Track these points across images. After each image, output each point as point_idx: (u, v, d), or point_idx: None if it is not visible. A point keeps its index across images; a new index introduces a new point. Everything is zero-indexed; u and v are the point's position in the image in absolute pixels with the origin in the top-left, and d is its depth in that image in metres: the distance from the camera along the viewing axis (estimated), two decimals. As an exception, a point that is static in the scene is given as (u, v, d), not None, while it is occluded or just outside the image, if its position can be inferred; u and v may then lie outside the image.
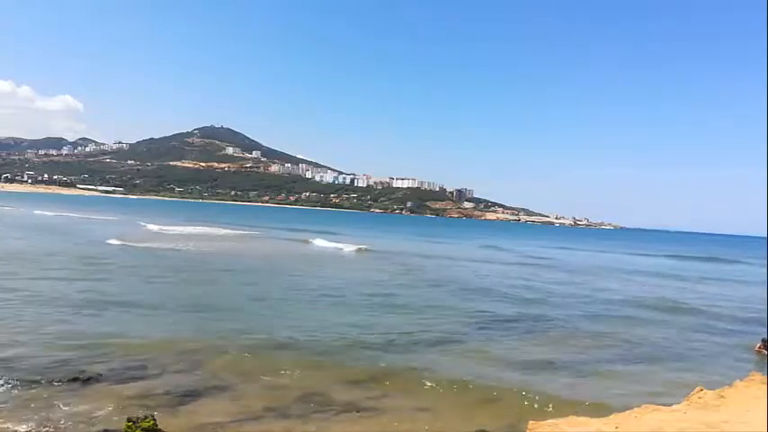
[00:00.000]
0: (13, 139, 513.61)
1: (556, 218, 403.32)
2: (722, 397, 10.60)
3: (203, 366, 15.30)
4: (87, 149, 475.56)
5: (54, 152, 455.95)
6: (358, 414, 12.82)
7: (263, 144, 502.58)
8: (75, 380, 13.37)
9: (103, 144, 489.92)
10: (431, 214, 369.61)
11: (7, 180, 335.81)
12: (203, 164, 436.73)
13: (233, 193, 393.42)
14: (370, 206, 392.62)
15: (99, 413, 11.69)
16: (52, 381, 13.25)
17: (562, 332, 23.61)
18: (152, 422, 10.42)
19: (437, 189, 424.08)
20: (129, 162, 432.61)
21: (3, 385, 12.78)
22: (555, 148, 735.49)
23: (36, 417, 11.27)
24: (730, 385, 11.33)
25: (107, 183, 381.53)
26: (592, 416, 10.89)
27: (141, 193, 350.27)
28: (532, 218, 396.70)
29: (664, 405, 10.61)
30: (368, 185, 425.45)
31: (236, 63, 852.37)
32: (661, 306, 32.97)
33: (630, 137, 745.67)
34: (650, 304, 33.42)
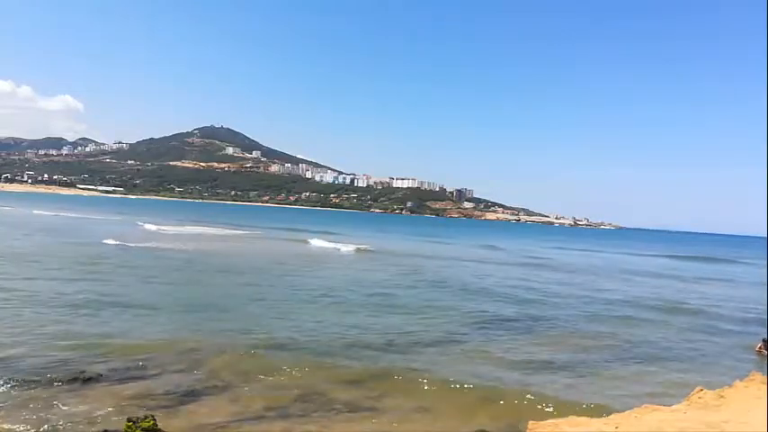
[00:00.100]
0: (13, 139, 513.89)
1: (556, 218, 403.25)
2: (722, 397, 10.59)
3: (203, 366, 15.29)
4: (87, 149, 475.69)
5: (54, 152, 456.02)
6: (358, 414, 12.82)
7: (263, 144, 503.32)
8: (74, 380, 13.36)
9: (103, 144, 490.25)
10: (431, 214, 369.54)
11: (7, 180, 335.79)
12: (203, 164, 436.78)
13: (233, 193, 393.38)
14: (370, 206, 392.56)
15: (99, 413, 11.68)
16: (52, 381, 13.25)
17: (562, 332, 23.60)
18: (152, 422, 10.41)
19: (437, 189, 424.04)
20: (129, 162, 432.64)
21: (2, 385, 12.77)
22: (555, 148, 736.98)
23: (35, 417, 11.27)
24: (730, 385, 11.32)
25: (107, 183, 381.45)
26: (592, 416, 10.90)
27: (141, 194, 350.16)
28: (532, 218, 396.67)
29: (664, 405, 10.61)
30: (368, 185, 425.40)
31: (236, 63, 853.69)
32: (661, 306, 32.96)
33: (630, 137, 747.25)
34: (650, 304, 33.42)
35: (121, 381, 13.74)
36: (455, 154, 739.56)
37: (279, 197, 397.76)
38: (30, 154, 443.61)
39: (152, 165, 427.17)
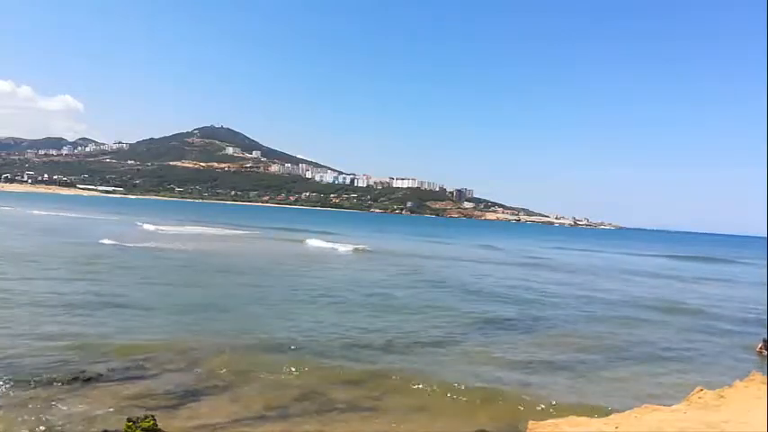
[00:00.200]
0: (13, 139, 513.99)
1: (556, 218, 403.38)
2: (722, 397, 10.59)
3: (203, 366, 15.28)
4: (87, 149, 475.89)
5: (54, 152, 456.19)
6: (358, 414, 12.81)
7: (263, 144, 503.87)
8: (74, 380, 13.34)
9: (103, 144, 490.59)
10: (431, 214, 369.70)
11: (7, 180, 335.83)
12: (203, 164, 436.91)
13: (233, 193, 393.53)
14: (370, 206, 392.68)
15: (99, 413, 11.67)
16: (51, 381, 13.23)
17: (562, 332, 23.59)
18: (152, 422, 10.40)
19: (437, 189, 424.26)
20: (129, 162, 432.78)
21: (1, 385, 12.75)
22: (555, 148, 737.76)
23: (35, 417, 11.25)
24: (730, 385, 11.32)
25: (107, 183, 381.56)
26: (592, 416, 10.90)
27: (141, 193, 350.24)
28: (532, 218, 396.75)
29: (664, 405, 10.61)
30: (368, 185, 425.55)
31: (236, 63, 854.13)
32: (660, 306, 32.94)
33: (630, 137, 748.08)
34: (650, 304, 33.41)
35: (121, 381, 13.73)
36: (455, 154, 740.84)
37: (279, 197, 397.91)
38: (30, 154, 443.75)
39: (152, 165, 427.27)
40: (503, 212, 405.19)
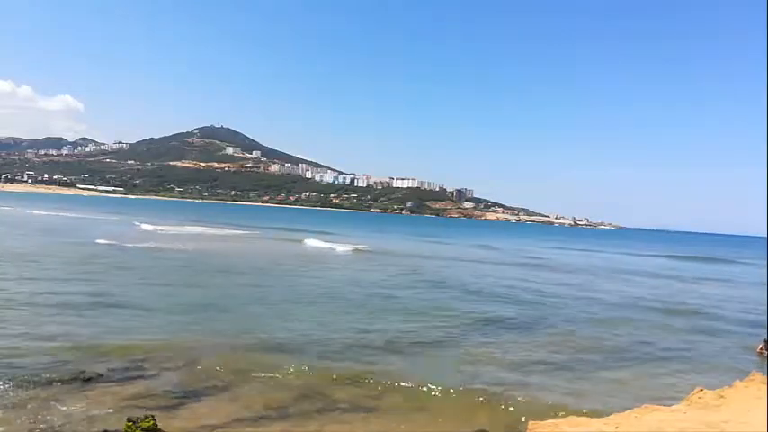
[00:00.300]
0: (13, 139, 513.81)
1: (556, 218, 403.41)
2: (722, 397, 10.59)
3: (202, 366, 15.27)
4: (87, 149, 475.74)
5: (54, 152, 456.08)
6: (358, 414, 12.81)
7: (263, 144, 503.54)
8: (74, 380, 13.34)
9: (103, 144, 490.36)
10: (431, 214, 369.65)
11: (7, 180, 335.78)
12: (203, 164, 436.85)
13: (233, 193, 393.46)
14: (370, 206, 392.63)
15: (98, 413, 11.67)
16: (51, 381, 13.22)
17: (561, 333, 23.58)
18: (152, 422, 10.40)
19: (437, 189, 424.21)
20: (129, 162, 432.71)
21: (1, 385, 12.75)
22: (555, 148, 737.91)
23: (35, 417, 11.25)
24: (730, 385, 11.33)
25: (107, 183, 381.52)
26: (592, 416, 10.90)
27: (141, 193, 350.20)
28: (532, 218, 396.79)
29: (664, 405, 10.61)
30: (368, 185, 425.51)
31: (236, 63, 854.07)
32: (660, 307, 32.95)
33: (630, 137, 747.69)
34: (650, 305, 33.41)
35: (121, 381, 13.72)
36: (455, 154, 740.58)
37: (279, 197, 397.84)
38: (30, 154, 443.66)
39: (152, 165, 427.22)
40: (503, 212, 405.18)
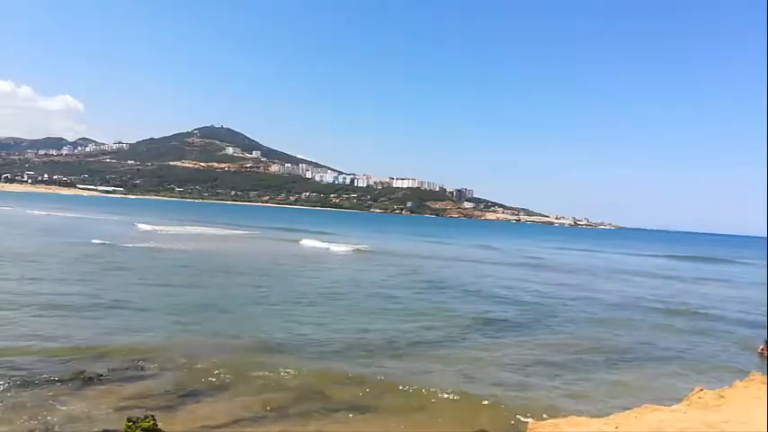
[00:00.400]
0: (13, 139, 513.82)
1: (556, 218, 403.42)
2: (722, 397, 10.60)
3: (202, 366, 15.26)
4: (87, 149, 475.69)
5: (54, 152, 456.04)
6: (358, 414, 12.81)
7: (263, 144, 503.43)
8: (74, 380, 13.35)
9: (103, 144, 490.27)
10: (431, 214, 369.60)
11: (7, 180, 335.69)
12: (203, 164, 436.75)
13: (233, 193, 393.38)
14: (370, 206, 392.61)
15: (98, 413, 11.67)
16: (51, 381, 13.23)
17: (561, 333, 23.59)
18: (152, 422, 10.39)
19: (437, 189, 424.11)
20: (129, 162, 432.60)
21: (0, 386, 12.75)
22: (555, 148, 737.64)
23: (35, 417, 11.25)
24: (730, 385, 11.34)
25: (107, 183, 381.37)
26: (592, 416, 10.90)
27: (141, 193, 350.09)
28: (532, 218, 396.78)
29: (664, 405, 10.61)
30: (368, 185, 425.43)
31: (236, 63, 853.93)
32: (660, 307, 32.95)
33: (630, 137, 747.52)
34: (650, 305, 33.42)
35: (121, 381, 13.72)
36: (455, 154, 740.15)
37: (279, 197, 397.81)
38: (30, 154, 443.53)
39: (152, 165, 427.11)
40: (503, 212, 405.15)
